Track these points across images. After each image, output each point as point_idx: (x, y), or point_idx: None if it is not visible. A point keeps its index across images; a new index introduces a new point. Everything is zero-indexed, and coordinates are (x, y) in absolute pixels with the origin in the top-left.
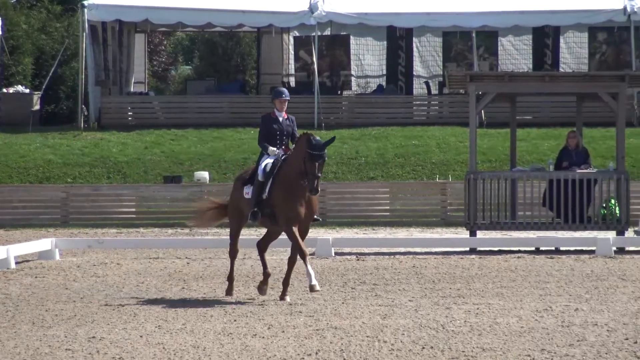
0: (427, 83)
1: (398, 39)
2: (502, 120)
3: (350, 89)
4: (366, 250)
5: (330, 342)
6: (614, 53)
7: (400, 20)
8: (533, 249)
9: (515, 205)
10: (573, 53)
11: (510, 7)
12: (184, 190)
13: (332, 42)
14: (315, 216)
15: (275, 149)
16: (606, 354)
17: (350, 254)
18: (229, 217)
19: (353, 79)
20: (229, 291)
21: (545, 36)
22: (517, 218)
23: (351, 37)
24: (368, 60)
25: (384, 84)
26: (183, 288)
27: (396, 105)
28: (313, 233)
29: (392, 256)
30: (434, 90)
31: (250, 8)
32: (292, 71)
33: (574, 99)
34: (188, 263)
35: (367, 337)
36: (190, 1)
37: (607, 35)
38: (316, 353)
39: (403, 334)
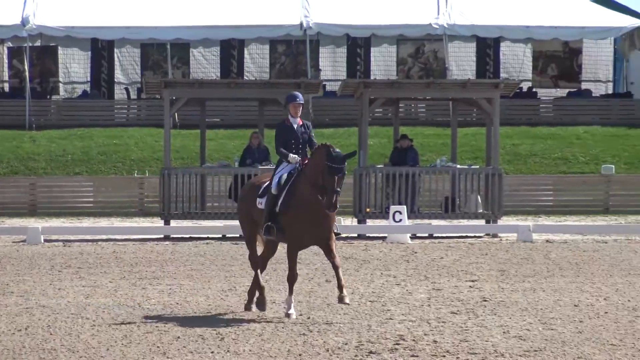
0: (127, 89)
1: (101, 49)
2: (193, 122)
3: (59, 93)
4: (72, 237)
5: (39, 319)
6: (292, 63)
7: (103, 33)
8: (220, 236)
9: (205, 198)
10: (256, 63)
11: (200, 22)
12: None
13: (42, 52)
14: (335, 230)
15: (296, 156)
16: (282, 327)
17: (57, 240)
18: (240, 223)
19: (61, 85)
20: (248, 305)
21: (231, 48)
22: (206, 209)
23: (59, 47)
24: (74, 68)
25: (88, 89)
26: None
27: (99, 108)
28: (24, 222)
29: (95, 243)
30: (133, 95)
31: None
32: (6, 78)
33: (257, 103)
34: None
35: (72, 314)
36: None
37: (286, 47)
38: (26, 329)
39: (104, 312)
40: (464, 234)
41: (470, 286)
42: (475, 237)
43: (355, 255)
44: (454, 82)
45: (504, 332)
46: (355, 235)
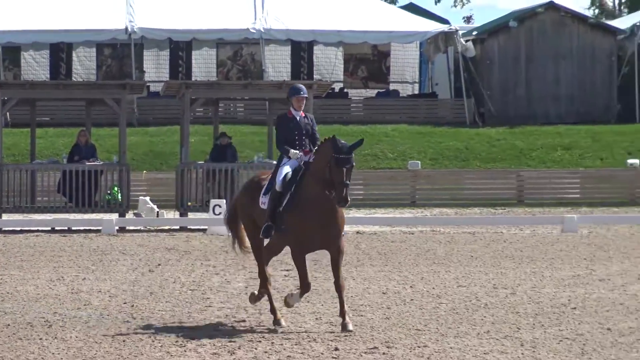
0: None
1: None
2: (24, 121)
3: None
4: None
5: None
6: (118, 65)
7: None
8: (49, 228)
9: (35, 192)
10: (84, 65)
11: (30, 26)
12: None
13: None
14: (343, 233)
15: (297, 151)
16: (108, 315)
17: None
18: (243, 224)
19: None
20: (263, 292)
21: (60, 51)
22: (36, 203)
23: None
24: None
25: None
26: None
27: None
28: None
29: None
30: None
31: None
32: None
33: (84, 103)
34: None
35: None
36: None
37: (112, 50)
38: None
39: None
40: None
41: (285, 275)
42: None
43: (177, 246)
44: (270, 83)
45: (316, 319)
46: (178, 227)
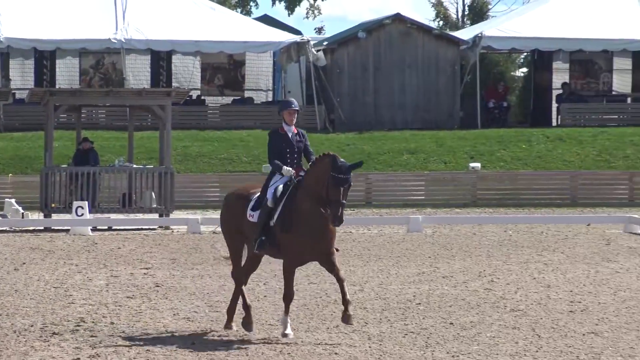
0: None
1: None
2: None
3: None
4: None
5: None
6: None
7: None
8: None
9: None
10: None
11: None
12: None
13: None
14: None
15: (290, 169)
16: None
17: None
18: (224, 235)
19: None
20: (228, 324)
21: None
22: None
23: None
24: None
25: None
26: None
27: None
28: None
29: None
30: None
31: None
32: None
33: None
34: None
35: None
36: None
37: None
38: None
39: None
40: (139, 227)
41: (144, 273)
42: (149, 229)
43: (42, 246)
44: (131, 90)
45: (174, 315)
46: (42, 228)
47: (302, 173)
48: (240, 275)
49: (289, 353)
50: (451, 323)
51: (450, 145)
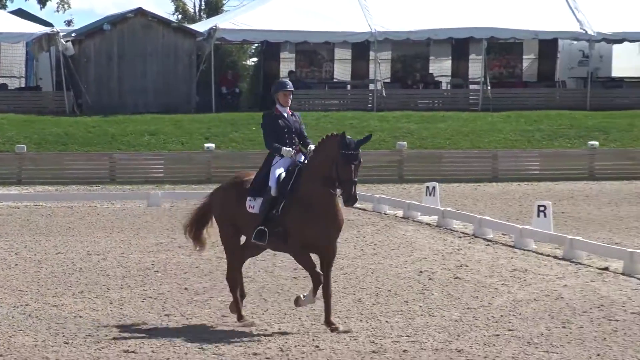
0: None
1: None
2: None
3: None
4: None
5: None
6: None
7: None
8: None
9: None
10: None
11: None
12: None
13: None
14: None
15: (289, 149)
16: None
17: None
18: (220, 234)
19: None
20: (239, 318)
21: None
22: None
23: None
24: None
25: None
26: None
27: None
28: None
29: None
30: None
31: None
32: None
33: None
34: None
35: None
36: None
37: None
38: None
39: None
40: None
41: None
42: None
43: None
44: None
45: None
46: None
47: (301, 155)
48: (236, 281)
49: None
50: (186, 289)
51: (188, 128)
